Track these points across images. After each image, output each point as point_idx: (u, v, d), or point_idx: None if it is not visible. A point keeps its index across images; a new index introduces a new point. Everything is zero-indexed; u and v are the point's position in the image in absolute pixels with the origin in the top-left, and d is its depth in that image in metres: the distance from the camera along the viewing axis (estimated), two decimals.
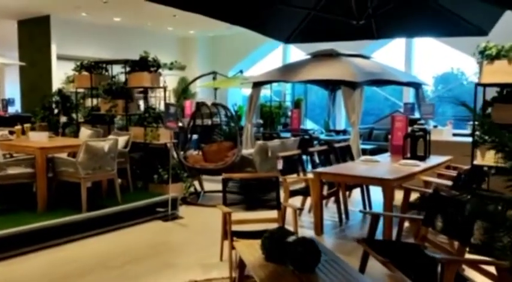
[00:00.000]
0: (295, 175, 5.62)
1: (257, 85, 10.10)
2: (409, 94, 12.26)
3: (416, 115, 11.33)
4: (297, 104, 12.75)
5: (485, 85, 4.37)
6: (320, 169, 5.09)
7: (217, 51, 15.07)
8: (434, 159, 5.88)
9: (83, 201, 5.14)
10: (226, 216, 3.76)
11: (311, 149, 6.03)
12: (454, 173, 5.60)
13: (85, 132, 6.78)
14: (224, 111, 7.08)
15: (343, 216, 5.64)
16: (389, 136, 8.15)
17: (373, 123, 12.42)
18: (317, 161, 6.06)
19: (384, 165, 5.53)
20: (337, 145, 6.62)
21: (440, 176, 5.62)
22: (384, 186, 4.48)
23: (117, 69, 7.42)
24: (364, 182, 5.41)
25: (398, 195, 4.82)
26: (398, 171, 4.93)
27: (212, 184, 7.50)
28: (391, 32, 4.85)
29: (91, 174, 5.32)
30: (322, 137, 9.61)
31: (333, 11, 3.77)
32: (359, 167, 5.33)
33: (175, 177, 6.32)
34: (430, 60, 13.52)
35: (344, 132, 11.35)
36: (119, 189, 5.56)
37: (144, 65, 6.44)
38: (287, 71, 9.73)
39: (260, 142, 7.36)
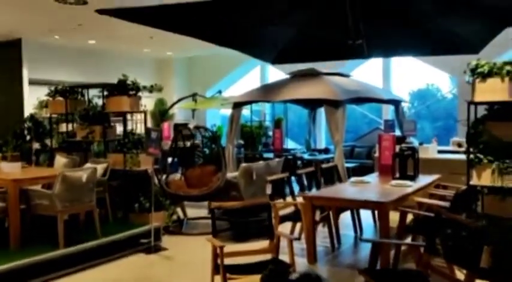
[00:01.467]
0: (282, 200, 5.41)
1: (238, 105, 9.93)
2: (388, 111, 12.29)
3: (397, 132, 11.36)
4: (277, 124, 12.61)
5: (477, 103, 4.28)
6: (311, 193, 4.90)
7: (195, 71, 14.89)
8: (424, 179, 5.77)
9: (60, 236, 4.80)
10: (218, 250, 3.50)
11: (299, 171, 5.85)
12: (444, 193, 5.50)
13: (60, 160, 6.43)
14: (206, 133, 6.85)
15: (335, 241, 5.44)
16: (375, 154, 8.07)
17: (354, 140, 12.38)
18: (305, 183, 5.88)
19: (375, 186, 5.38)
20: (324, 166, 6.45)
21: (431, 196, 5.51)
22: (380, 210, 4.31)
23: (93, 93, 7.13)
24: (358, 206, 5.24)
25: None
26: (391, 193, 4.77)
27: (195, 210, 7.22)
28: (382, 51, 4.76)
29: (68, 207, 4.99)
30: (306, 156, 9.45)
31: (325, 30, 3.65)
32: (350, 189, 5.16)
33: (157, 205, 6.02)
34: (406, 76, 13.67)
35: (326, 150, 11.24)
36: (98, 221, 5.23)
37: (123, 88, 6.18)
38: (268, 91, 9.59)
39: (244, 165, 7.14)
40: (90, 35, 10.78)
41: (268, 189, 5.16)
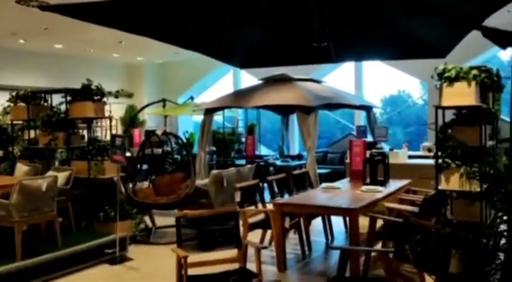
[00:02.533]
0: (253, 207, 5.29)
1: (209, 111, 9.78)
2: (360, 117, 12.36)
3: (369, 138, 11.42)
4: (250, 130, 12.52)
5: (444, 108, 4.27)
6: (281, 200, 4.80)
7: (166, 77, 14.69)
8: (394, 184, 5.75)
9: (17, 248, 4.55)
10: (182, 260, 3.36)
11: (269, 178, 5.74)
12: (414, 198, 5.49)
13: (21, 168, 6.15)
14: (175, 140, 6.69)
15: (306, 248, 5.35)
16: (346, 160, 8.06)
17: (326, 146, 12.38)
18: (276, 189, 5.78)
19: (346, 192, 5.33)
20: (295, 172, 6.38)
21: (402, 201, 5.49)
22: (350, 216, 4.24)
23: (57, 99, 6.86)
24: (329, 213, 5.16)
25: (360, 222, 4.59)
26: (361, 198, 4.72)
27: (165, 218, 7.02)
28: (349, 55, 4.72)
29: (27, 217, 4.74)
30: (278, 163, 9.37)
31: (291, 33, 3.57)
32: (321, 195, 5.09)
33: (124, 214, 5.81)
34: (378, 83, 13.81)
35: (299, 157, 11.19)
36: (59, 231, 4.99)
37: (87, 93, 5.96)
38: (240, 97, 9.49)
39: (215, 171, 6.99)
40: (57, 39, 10.49)
41: (237, 197, 5.03)
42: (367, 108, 10.54)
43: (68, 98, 6.12)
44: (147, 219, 6.51)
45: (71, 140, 6.11)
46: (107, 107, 6.29)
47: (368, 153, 6.03)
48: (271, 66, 6.02)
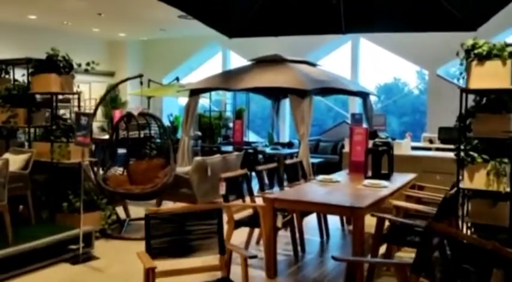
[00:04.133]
0: (240, 201, 4.60)
1: (195, 93, 9.02)
2: (355, 104, 11.70)
3: (364, 126, 10.78)
4: (238, 115, 11.79)
5: (473, 91, 3.60)
6: (273, 195, 4.10)
7: (151, 56, 13.82)
8: (399, 178, 5.11)
9: None
10: (149, 272, 2.66)
11: (259, 168, 5.04)
12: (421, 194, 4.87)
13: None
14: (153, 122, 5.95)
15: (299, 248, 4.69)
16: (344, 150, 7.39)
17: (319, 134, 11.73)
18: (266, 181, 5.10)
19: (346, 187, 4.66)
20: (288, 162, 5.70)
21: (408, 198, 4.85)
22: (355, 216, 3.58)
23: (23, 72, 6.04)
24: (329, 212, 4.48)
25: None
26: (365, 195, 4.05)
27: (141, 209, 6.31)
28: (362, 24, 3.99)
29: None
30: (268, 150, 8.67)
31: None
32: (318, 190, 4.41)
33: (91, 204, 5.09)
34: (373, 70, 13.13)
35: (290, 145, 10.49)
36: (10, 225, 4.23)
37: (52, 65, 5.16)
38: (228, 78, 8.73)
39: (198, 158, 6.28)
40: (30, 8, 9.57)
41: (222, 189, 4.34)
42: (364, 95, 9.88)
43: (30, 70, 5.32)
44: (120, 210, 5.79)
45: (32, 118, 5.32)
46: (86, 86, 5.52)
47: (370, 142, 5.37)
48: (267, 36, 5.26)
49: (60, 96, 6.04)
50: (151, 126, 7.64)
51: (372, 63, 12.51)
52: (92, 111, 10.17)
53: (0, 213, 4.19)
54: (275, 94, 11.00)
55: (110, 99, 12.50)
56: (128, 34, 12.58)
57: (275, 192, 5.05)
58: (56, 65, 5.18)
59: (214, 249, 3.10)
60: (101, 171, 5.69)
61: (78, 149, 4.87)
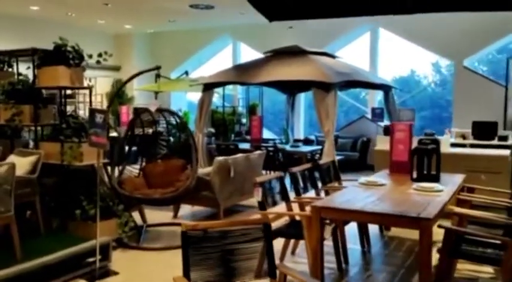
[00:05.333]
0: (276, 208, 4.08)
1: (209, 87, 8.50)
2: (374, 98, 11.15)
3: (386, 122, 10.24)
4: (252, 110, 11.27)
5: None
6: (319, 203, 3.57)
7: (158, 49, 13.26)
8: (448, 179, 4.56)
9: None
10: None
11: (293, 169, 4.52)
12: (473, 197, 4.34)
13: None
14: (173, 119, 5.43)
15: (342, 259, 4.17)
16: (375, 147, 6.83)
17: (336, 130, 11.18)
18: (301, 184, 4.58)
19: (395, 191, 4.12)
20: (322, 162, 5.18)
21: (460, 202, 4.33)
22: (422, 229, 3.04)
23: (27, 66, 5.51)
24: (389, 223, 3.93)
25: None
26: (424, 202, 3.52)
27: (157, 214, 5.83)
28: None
29: None
30: (288, 148, 8.12)
31: None
32: (365, 195, 3.87)
33: (107, 211, 4.56)
34: (390, 62, 12.57)
35: (308, 141, 9.95)
36: (17, 238, 3.72)
37: (61, 56, 4.64)
38: (244, 72, 8.20)
39: (220, 159, 5.75)
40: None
41: (258, 195, 3.81)
42: (386, 88, 9.34)
43: (36, 62, 4.79)
44: (135, 214, 5.28)
45: (39, 116, 4.79)
46: (92, 82, 4.99)
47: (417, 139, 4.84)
48: (311, 19, 4.69)
49: (68, 91, 5.51)
50: (161, 123, 7.12)
51: (389, 55, 11.95)
52: (96, 105, 9.62)
53: (6, 225, 3.67)
54: (290, 88, 10.46)
55: (116, 95, 11.95)
56: (134, 26, 12.02)
57: (309, 197, 4.56)
58: (65, 56, 4.66)
59: (263, 271, 2.59)
60: (115, 173, 5.17)
61: (92, 149, 4.34)
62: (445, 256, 3.26)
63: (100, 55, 4.78)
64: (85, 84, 4.91)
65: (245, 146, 8.39)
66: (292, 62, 7.95)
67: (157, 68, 5.17)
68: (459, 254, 3.30)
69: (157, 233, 5.29)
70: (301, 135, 11.48)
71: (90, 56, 4.75)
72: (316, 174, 4.81)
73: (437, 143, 4.67)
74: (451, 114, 13.22)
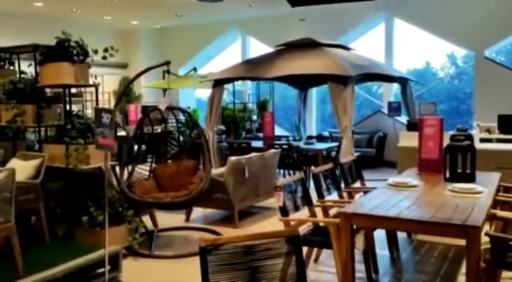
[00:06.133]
0: (299, 213, 3.75)
1: (219, 83, 8.17)
2: (390, 91, 10.76)
3: (403, 117, 9.86)
4: (262, 106, 10.93)
5: None
6: (350, 208, 3.22)
7: (165, 46, 12.94)
8: (483, 179, 4.20)
9: None
10: None
11: (315, 170, 4.18)
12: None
13: None
14: (182, 116, 5.12)
15: (372, 268, 3.83)
16: (399, 144, 6.46)
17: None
18: (323, 185, 4.24)
19: (429, 193, 3.77)
20: (343, 161, 4.83)
21: (499, 204, 3.97)
22: (470, 238, 2.70)
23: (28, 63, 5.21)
24: (430, 232, 3.49)
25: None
26: (466, 206, 3.17)
27: (168, 217, 5.53)
28: None
29: None
30: (302, 145, 7.76)
31: None
32: (398, 199, 3.52)
33: (116, 217, 4.27)
34: (405, 54, 12.15)
35: (322, 138, 9.59)
36: (19, 251, 3.43)
37: (64, 52, 4.33)
38: (256, 66, 7.86)
39: (233, 158, 5.43)
40: None
41: (279, 199, 3.48)
42: (404, 81, 8.96)
43: (40, 59, 4.49)
44: (145, 218, 4.98)
45: (42, 116, 4.50)
46: (98, 79, 4.68)
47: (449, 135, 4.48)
48: (335, 3, 4.35)
49: (73, 90, 5.21)
50: (170, 122, 6.80)
51: (403, 48, 11.54)
52: (106, 106, 9.33)
53: (7, 237, 3.37)
54: (302, 83, 10.11)
55: (123, 92, 11.67)
56: (141, 22, 11.70)
57: (333, 200, 4.23)
58: (69, 52, 4.36)
59: None
60: (124, 175, 4.87)
61: (99, 151, 4.03)
62: (491, 267, 2.91)
63: (106, 50, 4.46)
64: (90, 81, 4.60)
65: (258, 144, 8.06)
66: (306, 55, 7.60)
67: (167, 63, 4.84)
68: (507, 266, 2.95)
69: (169, 239, 4.99)
70: (313, 132, 11.12)
71: (96, 51, 4.45)
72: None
73: (471, 139, 4.31)
74: (469, 106, 12.78)
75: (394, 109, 9.48)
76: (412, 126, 6.15)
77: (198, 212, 5.95)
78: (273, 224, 5.51)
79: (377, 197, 3.61)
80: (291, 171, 7.83)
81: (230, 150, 7.71)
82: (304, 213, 3.84)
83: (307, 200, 3.87)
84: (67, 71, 4.28)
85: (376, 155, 9.54)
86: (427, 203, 3.42)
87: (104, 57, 4.48)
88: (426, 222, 2.91)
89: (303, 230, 3.78)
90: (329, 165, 4.55)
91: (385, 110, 9.93)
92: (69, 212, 4.31)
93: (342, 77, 6.79)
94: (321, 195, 4.10)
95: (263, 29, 11.40)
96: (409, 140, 5.96)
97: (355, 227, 3.20)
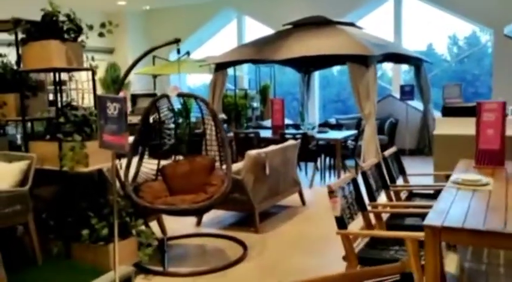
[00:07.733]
0: (354, 224, 3.05)
1: (222, 67, 7.38)
2: (399, 74, 10.09)
3: (416, 101, 9.24)
4: (263, 92, 10.17)
5: None
6: (438, 220, 2.51)
7: (154, 28, 12.00)
8: None
9: None
10: None
11: (364, 167, 3.48)
12: None
13: None
14: (199, 103, 4.36)
15: None
16: (433, 132, 5.79)
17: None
18: (373, 186, 3.56)
19: (506, 193, 3.10)
20: (386, 153, 4.15)
21: None
22: None
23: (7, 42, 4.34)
24: None
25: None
26: None
27: (176, 221, 4.81)
28: None
29: None
30: (316, 134, 7.03)
31: None
32: (483, 205, 2.84)
33: (122, 228, 3.52)
34: (410, 35, 11.49)
35: (331, 126, 8.86)
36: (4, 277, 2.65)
37: (52, 28, 3.51)
38: (263, 48, 7.09)
39: (252, 152, 4.70)
40: None
41: (336, 208, 2.77)
42: (418, 62, 8.32)
43: (22, 37, 3.65)
44: (153, 224, 4.23)
45: (28, 107, 3.68)
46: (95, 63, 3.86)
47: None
48: None
49: (64, 75, 4.40)
50: (161, 110, 5.92)
51: (409, 28, 10.87)
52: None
53: None
54: (306, 66, 9.37)
55: (111, 80, 10.78)
56: (128, 2, 10.74)
57: (384, 203, 3.56)
58: (58, 27, 3.53)
59: None
60: (129, 180, 4.08)
61: (99, 149, 3.23)
62: None
63: (103, 25, 3.65)
64: (85, 64, 3.78)
65: (265, 133, 7.32)
66: (320, 34, 6.85)
67: (177, 41, 4.09)
68: None
69: (182, 249, 4.26)
70: (316, 119, 10.41)
71: (91, 27, 3.64)
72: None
73: None
74: (477, 89, 12.22)
75: (406, 93, 8.84)
76: (448, 111, 5.51)
77: (209, 213, 5.22)
78: (297, 227, 4.85)
79: (457, 202, 2.91)
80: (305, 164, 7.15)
81: (238, 142, 6.95)
82: (359, 222, 3.15)
83: (360, 205, 3.18)
84: (57, 52, 3.46)
85: (388, 142, 8.90)
86: None
87: (101, 34, 3.67)
88: None
89: (361, 243, 3.09)
90: (374, 160, 3.86)
91: (397, 94, 9.28)
92: (64, 225, 3.52)
93: (363, 58, 6.08)
94: (372, 198, 3.42)
95: (261, 9, 10.58)
96: (447, 126, 5.31)
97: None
